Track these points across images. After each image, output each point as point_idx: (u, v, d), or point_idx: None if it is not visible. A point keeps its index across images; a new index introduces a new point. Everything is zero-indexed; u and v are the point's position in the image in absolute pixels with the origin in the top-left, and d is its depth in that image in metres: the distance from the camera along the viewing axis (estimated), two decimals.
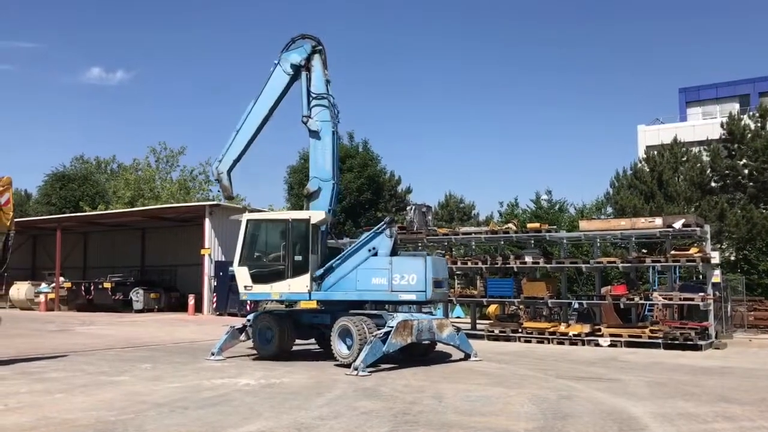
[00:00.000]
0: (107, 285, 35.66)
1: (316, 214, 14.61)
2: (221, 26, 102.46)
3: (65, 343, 17.94)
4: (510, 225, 23.09)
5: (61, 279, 38.07)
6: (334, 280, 14.30)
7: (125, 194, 49.47)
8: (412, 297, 13.93)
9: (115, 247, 43.19)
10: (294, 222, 14.47)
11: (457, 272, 24.92)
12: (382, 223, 14.71)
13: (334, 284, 14.28)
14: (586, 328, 19.23)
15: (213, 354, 14.62)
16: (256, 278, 14.25)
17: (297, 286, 14.17)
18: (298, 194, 36.75)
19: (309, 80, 15.35)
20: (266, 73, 15.49)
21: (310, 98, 15.27)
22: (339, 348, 13.50)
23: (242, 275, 14.30)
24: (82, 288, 36.72)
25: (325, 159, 15.19)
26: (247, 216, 14.80)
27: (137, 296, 35.14)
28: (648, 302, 19.85)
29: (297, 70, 15.35)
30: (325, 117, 15.22)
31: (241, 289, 14.39)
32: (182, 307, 34.30)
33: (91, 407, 9.06)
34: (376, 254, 14.25)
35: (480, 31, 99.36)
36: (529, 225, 23.01)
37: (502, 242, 23.46)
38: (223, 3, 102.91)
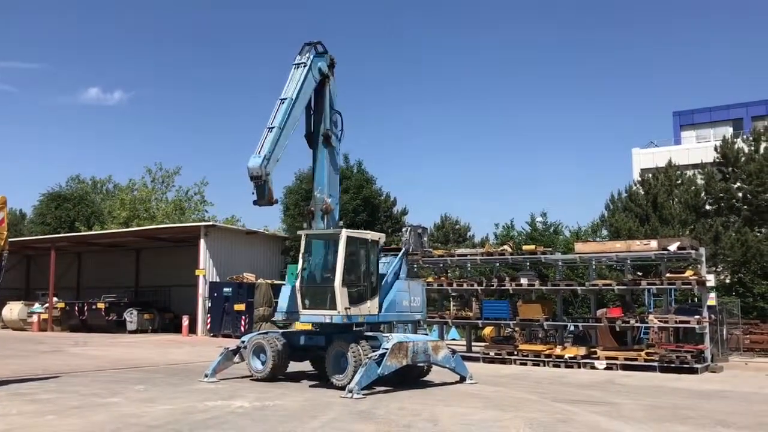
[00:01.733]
0: (101, 305, 35.42)
1: (382, 236, 14.93)
2: (219, 47, 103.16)
3: (57, 364, 17.78)
4: (505, 247, 23.10)
5: (55, 299, 37.81)
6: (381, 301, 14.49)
7: (120, 214, 49.35)
8: (418, 317, 15.78)
9: (109, 268, 42.95)
10: (371, 242, 14.39)
11: (453, 294, 24.86)
12: (404, 250, 15.72)
13: (382, 305, 14.44)
14: (582, 351, 19.17)
15: (206, 376, 14.47)
16: (353, 299, 13.50)
17: (374, 307, 14.05)
18: (294, 215, 36.76)
19: (331, 93, 14.95)
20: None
21: (332, 112, 14.96)
22: (333, 370, 13.41)
23: (343, 295, 13.32)
24: (76, 308, 36.47)
25: (337, 177, 15.12)
26: (346, 232, 13.83)
27: (131, 317, 34.87)
28: (644, 325, 19.80)
29: (323, 79, 14.83)
30: (338, 133, 15.13)
31: (341, 311, 13.23)
32: (176, 329, 34.06)
33: (82, 429, 8.96)
34: (397, 278, 15.15)
35: (475, 52, 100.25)
36: (524, 247, 23.02)
37: (498, 264, 23.44)
38: (220, 24, 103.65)
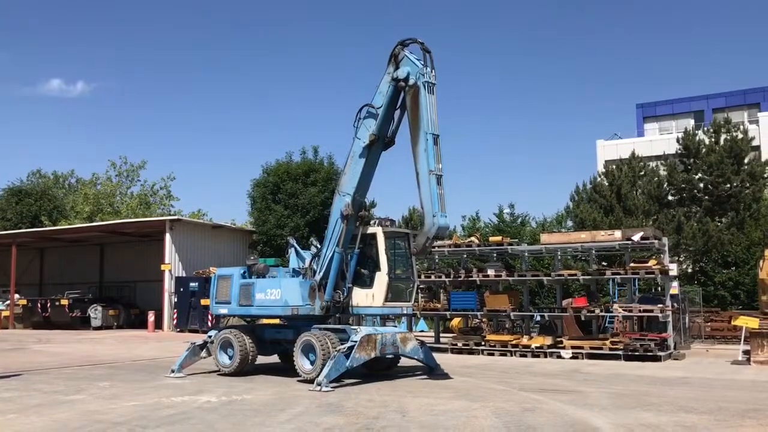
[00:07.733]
0: (64, 302, 34.79)
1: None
2: (183, 40, 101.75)
3: (19, 362, 17.44)
4: (473, 238, 23.23)
5: (16, 296, 37.07)
6: None
7: (84, 209, 48.50)
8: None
9: (72, 263, 42.22)
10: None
11: (421, 286, 24.93)
12: None
13: None
14: (548, 341, 19.40)
15: (173, 371, 14.36)
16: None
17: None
18: (261, 208, 36.49)
19: None
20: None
21: None
22: (302, 363, 13.37)
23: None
24: (39, 305, 35.79)
25: None
26: (411, 232, 15.19)
27: (95, 313, 34.35)
28: (608, 314, 20.09)
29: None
30: None
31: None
32: (142, 324, 33.65)
33: (45, 428, 8.81)
34: None
35: (443, 44, 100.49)
36: (491, 238, 23.16)
37: (465, 256, 23.57)
38: (186, 13, 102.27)
